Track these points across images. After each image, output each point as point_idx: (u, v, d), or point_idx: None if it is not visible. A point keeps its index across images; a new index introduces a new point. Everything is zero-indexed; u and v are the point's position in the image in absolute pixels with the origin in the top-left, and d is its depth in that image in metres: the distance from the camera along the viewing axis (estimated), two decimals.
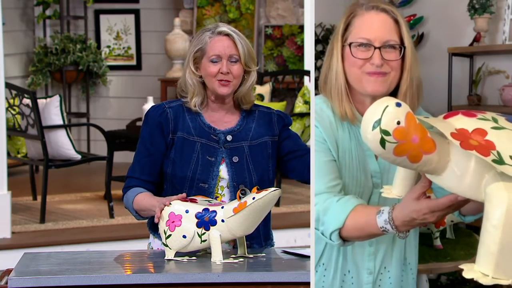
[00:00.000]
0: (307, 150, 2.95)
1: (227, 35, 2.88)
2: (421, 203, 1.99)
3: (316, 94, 2.41)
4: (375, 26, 2.31)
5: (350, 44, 2.31)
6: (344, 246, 2.29)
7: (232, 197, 2.83)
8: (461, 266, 1.79)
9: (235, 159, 2.86)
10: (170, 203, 2.69)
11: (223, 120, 2.92)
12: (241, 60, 2.87)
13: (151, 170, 2.89)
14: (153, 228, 2.94)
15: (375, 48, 2.29)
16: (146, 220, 2.99)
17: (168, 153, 2.88)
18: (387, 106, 1.84)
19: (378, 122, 1.83)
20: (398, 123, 1.83)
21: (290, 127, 3.02)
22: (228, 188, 2.85)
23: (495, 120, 1.89)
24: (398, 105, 1.84)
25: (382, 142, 1.83)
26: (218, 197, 2.84)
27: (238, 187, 2.82)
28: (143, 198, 2.82)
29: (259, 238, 2.88)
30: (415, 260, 2.53)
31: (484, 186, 1.83)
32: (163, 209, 2.69)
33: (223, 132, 2.89)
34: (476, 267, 1.75)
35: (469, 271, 1.76)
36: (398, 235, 2.10)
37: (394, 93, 2.36)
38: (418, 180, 2.09)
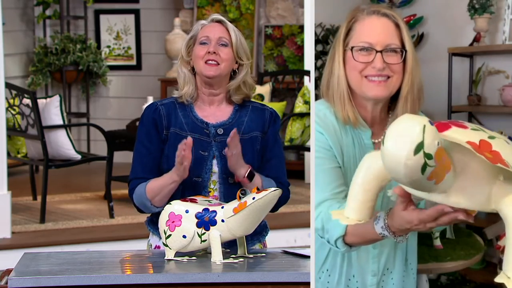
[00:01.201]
0: (275, 155, 2.95)
1: (219, 21, 2.92)
2: (411, 214, 1.95)
3: (316, 95, 2.41)
4: (376, 30, 2.32)
5: (352, 48, 2.32)
6: (350, 251, 2.30)
7: (223, 190, 2.84)
8: (497, 280, 1.74)
9: (225, 152, 2.85)
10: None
11: (215, 114, 2.93)
12: (232, 46, 2.89)
13: (153, 168, 2.90)
14: (152, 224, 2.94)
15: (376, 51, 2.30)
16: (145, 220, 3.00)
17: (163, 150, 2.89)
18: (424, 125, 1.64)
19: (421, 145, 1.63)
20: (438, 143, 1.66)
21: (278, 128, 3.00)
22: (218, 182, 2.85)
23: (483, 130, 1.85)
24: (431, 123, 1.66)
25: (424, 168, 1.65)
26: (210, 191, 2.85)
27: (228, 180, 2.83)
28: (155, 181, 2.84)
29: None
30: (415, 260, 2.54)
31: (494, 196, 1.81)
32: (181, 164, 2.71)
33: (214, 126, 2.90)
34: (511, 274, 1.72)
35: (510, 282, 1.72)
36: (397, 239, 2.10)
37: (394, 97, 2.36)
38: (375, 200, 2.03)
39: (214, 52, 2.86)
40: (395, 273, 2.47)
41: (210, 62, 2.86)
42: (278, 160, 2.96)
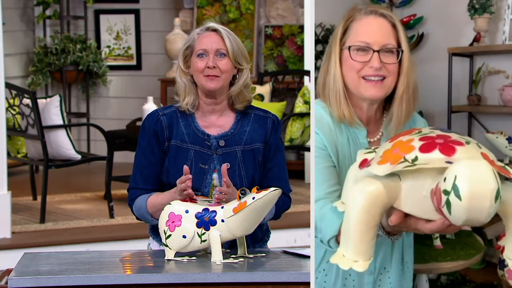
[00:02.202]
0: (276, 163, 2.93)
1: (215, 30, 2.87)
2: (407, 220, 1.93)
3: (316, 95, 2.42)
4: (373, 30, 2.34)
5: (349, 48, 2.33)
6: None
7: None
8: None
9: (227, 165, 2.82)
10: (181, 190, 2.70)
11: (216, 124, 2.90)
12: (230, 55, 2.85)
13: (154, 179, 2.88)
14: (153, 231, 2.95)
15: (373, 51, 2.31)
16: (149, 226, 2.99)
17: (164, 160, 2.87)
18: (493, 169, 1.67)
19: (499, 191, 1.66)
20: None
21: (280, 135, 2.99)
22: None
23: (465, 138, 1.87)
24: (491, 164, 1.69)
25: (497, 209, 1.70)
26: None
27: None
28: (157, 197, 2.82)
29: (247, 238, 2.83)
30: (411, 259, 2.54)
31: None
32: (185, 189, 2.69)
33: (215, 137, 2.87)
34: None
35: None
36: (391, 238, 2.10)
37: (390, 97, 2.38)
38: None
39: (214, 67, 2.83)
40: (392, 272, 2.47)
41: (211, 76, 2.84)
42: (280, 169, 2.94)
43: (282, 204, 2.90)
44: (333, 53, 2.36)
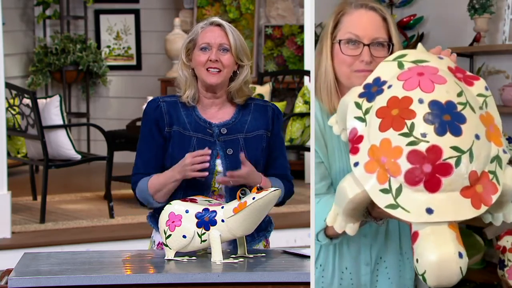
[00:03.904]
0: (281, 153, 3.00)
1: (219, 25, 2.90)
2: None
3: None
4: (364, 24, 2.36)
5: (339, 41, 2.35)
6: (331, 244, 2.33)
7: (228, 190, 2.85)
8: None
9: (229, 151, 2.87)
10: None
11: (217, 116, 2.93)
12: (232, 50, 2.88)
13: (156, 164, 2.91)
14: (154, 219, 2.94)
15: (364, 45, 2.33)
16: (147, 215, 3.00)
17: (166, 147, 2.89)
18: (461, 267, 1.85)
19: (462, 276, 1.84)
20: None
21: (282, 124, 3.03)
22: None
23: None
24: (461, 256, 1.85)
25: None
26: (215, 191, 2.86)
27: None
28: (158, 178, 2.86)
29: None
30: (411, 249, 2.55)
31: None
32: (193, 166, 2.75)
33: (217, 125, 2.90)
34: None
35: None
36: (378, 223, 2.16)
37: None
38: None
39: (216, 60, 2.86)
40: (389, 262, 2.48)
41: (212, 70, 2.86)
42: (284, 157, 3.01)
43: (288, 191, 2.97)
44: (324, 47, 2.39)
